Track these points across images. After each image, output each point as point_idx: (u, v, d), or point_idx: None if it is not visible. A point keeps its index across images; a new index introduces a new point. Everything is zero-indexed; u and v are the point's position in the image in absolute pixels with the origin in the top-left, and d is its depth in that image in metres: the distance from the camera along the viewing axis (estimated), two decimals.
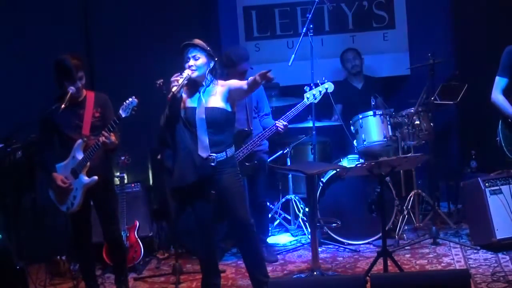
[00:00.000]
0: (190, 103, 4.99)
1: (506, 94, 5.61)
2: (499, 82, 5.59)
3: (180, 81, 4.84)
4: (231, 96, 4.98)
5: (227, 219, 5.23)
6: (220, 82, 5.03)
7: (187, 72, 4.89)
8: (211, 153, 4.93)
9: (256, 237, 5.16)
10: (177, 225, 5.18)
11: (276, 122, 5.93)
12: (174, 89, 4.81)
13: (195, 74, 4.93)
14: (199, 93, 4.98)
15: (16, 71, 6.70)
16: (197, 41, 4.98)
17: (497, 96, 5.60)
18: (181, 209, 5.09)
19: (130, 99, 4.97)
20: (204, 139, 4.93)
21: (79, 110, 5.17)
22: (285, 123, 5.92)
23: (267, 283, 4.96)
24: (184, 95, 4.98)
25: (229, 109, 4.99)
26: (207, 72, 4.98)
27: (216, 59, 5.00)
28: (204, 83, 5.00)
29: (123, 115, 4.98)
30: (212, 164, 4.94)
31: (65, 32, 6.71)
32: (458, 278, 4.01)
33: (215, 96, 4.98)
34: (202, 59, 4.94)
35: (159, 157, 5.21)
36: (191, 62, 4.93)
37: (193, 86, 5.00)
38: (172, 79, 4.86)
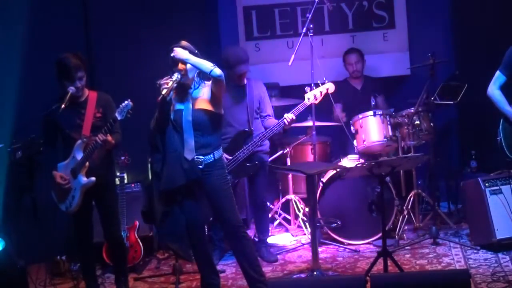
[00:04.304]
0: (178, 105, 5.01)
1: (503, 91, 5.61)
2: (498, 78, 5.58)
3: (169, 84, 4.85)
4: (214, 93, 4.97)
5: (218, 221, 5.24)
6: (207, 83, 5.03)
7: (176, 75, 4.90)
8: (197, 155, 4.95)
9: (247, 238, 5.16)
10: (163, 228, 5.19)
11: (285, 114, 5.91)
12: (163, 92, 4.82)
13: (185, 77, 4.94)
14: (187, 95, 4.99)
15: (16, 70, 6.69)
16: (185, 43, 4.99)
17: (493, 90, 5.59)
18: (168, 212, 5.10)
19: (126, 102, 4.99)
20: (190, 142, 4.96)
21: (80, 110, 5.19)
22: (293, 116, 5.89)
23: (263, 282, 5.00)
24: (173, 98, 4.99)
25: (216, 110, 4.99)
26: (195, 74, 4.99)
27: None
28: (192, 86, 5.01)
29: (119, 118, 5.00)
30: (200, 166, 4.96)
31: (65, 31, 6.70)
32: (458, 278, 4.01)
33: (202, 98, 4.99)
34: None
35: (149, 160, 5.24)
36: (181, 65, 4.93)
37: (182, 88, 5.01)
38: (162, 82, 4.87)
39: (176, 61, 4.93)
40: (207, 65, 4.88)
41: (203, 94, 5.00)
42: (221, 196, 5.04)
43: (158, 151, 5.05)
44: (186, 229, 5.16)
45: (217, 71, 4.86)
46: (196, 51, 4.99)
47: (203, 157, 4.99)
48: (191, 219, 5.12)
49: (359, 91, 7.09)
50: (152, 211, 5.17)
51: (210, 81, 5.00)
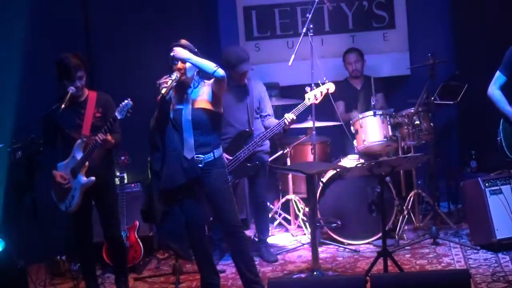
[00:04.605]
0: (178, 104, 5.01)
1: (504, 91, 5.60)
2: (499, 78, 5.57)
3: (169, 83, 4.85)
4: (214, 93, 4.99)
5: (216, 220, 5.24)
6: (207, 82, 5.04)
7: (175, 74, 4.90)
8: (197, 154, 4.96)
9: (246, 238, 5.18)
10: (163, 228, 5.19)
11: (286, 114, 5.91)
12: (163, 91, 4.82)
13: (184, 76, 4.94)
14: (187, 94, 5.00)
15: (16, 71, 6.69)
16: (185, 42, 4.99)
17: (493, 91, 5.58)
18: (168, 211, 5.10)
19: (125, 102, 4.99)
20: (189, 141, 4.96)
21: (80, 110, 5.20)
22: (294, 116, 5.90)
23: (259, 282, 5.01)
24: (172, 97, 5.00)
25: (215, 109, 5.00)
26: (195, 73, 5.00)
27: None
28: (192, 85, 5.01)
29: (119, 117, 5.01)
30: (200, 165, 4.96)
31: (65, 31, 6.71)
32: (458, 278, 4.01)
33: (202, 97, 5.00)
34: None
35: (149, 159, 5.24)
36: (180, 64, 4.94)
37: (181, 87, 5.01)
38: (161, 81, 4.87)
39: (176, 60, 4.92)
40: (210, 65, 4.87)
41: (203, 93, 5.01)
42: (220, 196, 5.04)
43: (158, 150, 5.05)
44: (186, 229, 5.16)
45: (221, 71, 4.86)
46: (196, 50, 4.99)
47: (203, 156, 4.99)
48: (191, 218, 5.12)
49: (359, 91, 7.08)
50: (151, 210, 5.17)
51: (210, 81, 5.00)
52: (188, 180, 4.98)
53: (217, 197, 5.04)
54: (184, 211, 5.10)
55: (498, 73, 5.57)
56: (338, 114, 6.55)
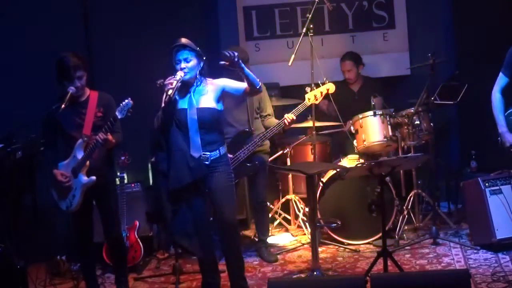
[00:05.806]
0: (181, 104, 5.01)
1: (505, 93, 5.57)
2: (500, 80, 5.51)
3: (174, 84, 4.86)
4: (224, 95, 5.03)
5: (213, 215, 5.24)
6: (210, 80, 5.05)
7: (179, 75, 4.91)
8: (204, 152, 4.96)
9: (239, 237, 5.18)
10: (173, 227, 5.19)
11: (285, 114, 5.92)
12: (169, 92, 4.83)
13: (188, 76, 4.95)
14: (190, 93, 5.00)
15: (16, 71, 6.70)
16: (186, 41, 5.00)
17: (495, 94, 5.50)
18: (176, 210, 5.11)
19: (126, 101, 4.99)
20: (196, 140, 4.97)
21: (81, 109, 5.20)
22: (294, 117, 5.91)
23: (243, 285, 5.06)
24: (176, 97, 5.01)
25: (219, 108, 5.04)
26: (198, 72, 5.01)
27: (205, 58, 5.03)
28: (195, 84, 5.02)
29: (119, 116, 5.01)
30: (206, 162, 4.97)
31: (65, 32, 6.71)
32: (458, 278, 4.01)
33: (206, 96, 5.01)
34: (193, 61, 4.98)
35: (152, 159, 5.23)
36: (183, 64, 4.95)
37: (184, 87, 5.02)
38: (166, 82, 4.88)
39: (178, 59, 4.92)
40: (256, 78, 5.02)
41: (207, 92, 5.02)
42: (222, 191, 5.04)
43: (161, 150, 5.06)
44: (194, 227, 5.14)
45: (261, 85, 5.08)
46: (198, 48, 5.00)
47: (209, 153, 5.00)
48: (198, 216, 5.10)
49: (355, 93, 7.06)
50: (158, 212, 5.17)
51: (216, 80, 5.04)
52: (195, 180, 4.98)
53: (219, 193, 5.04)
54: (192, 209, 5.10)
55: (500, 74, 5.52)
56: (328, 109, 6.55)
